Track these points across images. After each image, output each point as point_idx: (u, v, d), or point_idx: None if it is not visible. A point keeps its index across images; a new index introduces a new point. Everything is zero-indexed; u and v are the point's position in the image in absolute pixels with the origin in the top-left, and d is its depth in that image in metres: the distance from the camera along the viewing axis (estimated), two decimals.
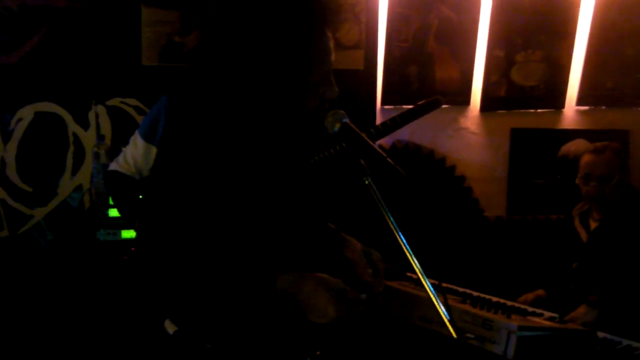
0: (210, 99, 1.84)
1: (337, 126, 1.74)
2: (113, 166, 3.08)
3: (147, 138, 2.94)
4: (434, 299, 1.63)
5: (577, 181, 3.59)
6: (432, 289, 1.63)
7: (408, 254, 1.63)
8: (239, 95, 1.79)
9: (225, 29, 1.78)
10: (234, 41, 1.76)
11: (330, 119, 1.75)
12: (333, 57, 1.79)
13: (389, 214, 1.65)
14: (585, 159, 3.56)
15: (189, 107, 1.88)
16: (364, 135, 1.73)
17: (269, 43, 1.71)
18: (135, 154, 2.99)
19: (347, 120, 1.75)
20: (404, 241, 1.64)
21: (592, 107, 4.78)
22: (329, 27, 1.77)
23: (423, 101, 3.55)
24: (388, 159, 1.68)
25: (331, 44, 1.78)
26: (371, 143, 1.72)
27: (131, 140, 3.04)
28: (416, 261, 1.63)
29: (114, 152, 3.67)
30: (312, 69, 1.74)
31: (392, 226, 1.64)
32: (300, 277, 1.67)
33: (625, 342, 2.75)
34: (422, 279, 1.63)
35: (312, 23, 1.73)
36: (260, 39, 1.72)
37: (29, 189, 3.85)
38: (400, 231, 1.64)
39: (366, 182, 1.68)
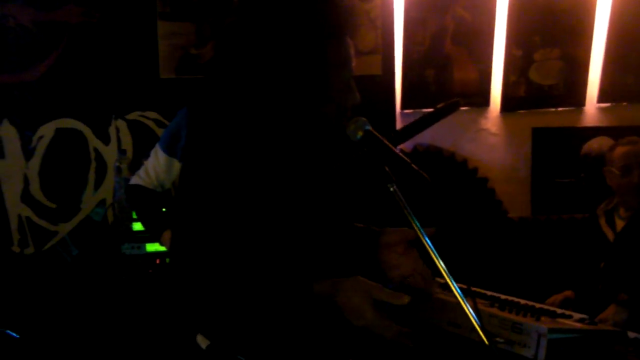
0: (230, 110, 1.83)
1: (360, 134, 1.73)
2: (135, 180, 3.09)
3: (169, 151, 2.95)
4: (463, 304, 1.61)
5: (610, 173, 3.54)
6: (460, 293, 1.62)
7: (435, 259, 1.62)
8: (258, 106, 1.79)
9: (242, 39, 1.77)
10: (250, 51, 1.75)
11: (352, 126, 1.74)
12: (354, 63, 1.78)
13: (415, 220, 1.64)
14: (620, 150, 3.53)
15: (210, 119, 1.88)
16: (387, 141, 1.72)
17: (285, 52, 1.70)
18: (157, 167, 2.99)
19: (369, 127, 1.73)
20: (431, 245, 1.62)
21: (614, 103, 4.74)
22: (346, 33, 1.75)
23: (442, 104, 3.53)
24: (413, 165, 1.67)
25: (351, 50, 1.76)
26: (394, 149, 1.71)
27: (152, 153, 3.04)
28: (444, 266, 1.62)
29: (135, 165, 3.68)
30: (330, 77, 1.72)
31: (418, 231, 1.63)
32: (338, 280, 1.67)
33: None
34: (451, 284, 1.61)
35: (329, 30, 1.71)
36: (277, 49, 1.71)
37: (53, 206, 3.87)
38: (427, 236, 1.62)
39: (391, 189, 1.67)
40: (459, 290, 1.61)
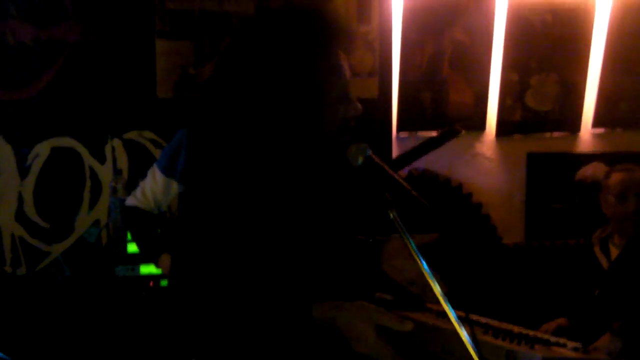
0: (229, 130, 1.84)
1: (361, 159, 1.73)
2: (130, 201, 3.06)
3: (167, 172, 2.93)
4: (460, 332, 1.61)
5: (606, 200, 3.55)
6: (457, 320, 1.61)
7: (434, 286, 1.62)
8: (256, 124, 1.79)
9: (236, 58, 1.79)
10: (244, 70, 1.76)
11: (353, 151, 1.74)
12: (349, 74, 1.79)
13: (414, 246, 1.64)
14: (616, 178, 3.54)
15: (209, 139, 1.88)
16: (387, 167, 1.73)
17: (278, 69, 1.72)
18: (155, 188, 2.97)
19: (370, 152, 1.74)
20: (429, 272, 1.63)
21: (608, 129, 4.76)
22: (338, 46, 1.78)
23: (442, 130, 3.54)
24: (413, 192, 1.68)
25: (344, 63, 1.78)
26: (395, 176, 1.71)
27: (149, 174, 3.03)
28: (441, 292, 1.62)
29: (131, 185, 3.67)
30: (325, 89, 1.73)
31: (416, 257, 1.63)
32: (341, 303, 1.66)
33: None
34: (448, 310, 1.61)
35: (320, 44, 1.74)
36: (270, 66, 1.72)
37: (47, 225, 3.84)
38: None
39: (391, 215, 1.67)
40: (456, 317, 1.60)
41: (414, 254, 1.62)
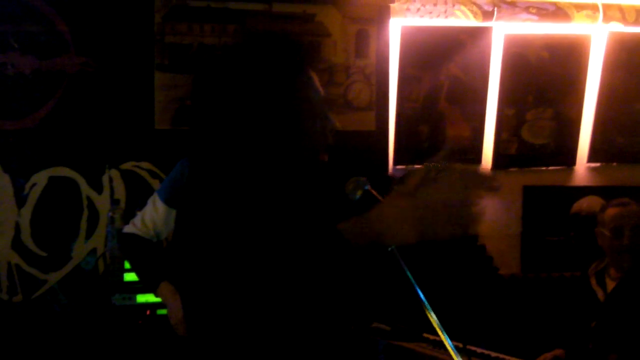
0: (222, 159, 1.87)
1: (359, 193, 1.75)
2: (129, 229, 3.06)
3: (169, 201, 2.93)
4: (452, 352, 1.62)
5: (602, 234, 3.57)
6: (455, 351, 1.62)
7: (430, 317, 1.63)
8: (242, 150, 1.82)
9: (211, 89, 1.84)
10: (221, 99, 1.81)
11: (351, 186, 1.77)
12: (321, 90, 1.84)
13: (412, 279, 1.65)
14: (611, 212, 3.56)
15: (208, 169, 1.91)
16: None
17: (257, 90, 1.76)
18: (155, 217, 2.97)
19: (368, 187, 1.76)
20: (427, 304, 1.63)
21: (604, 163, 4.80)
22: (306, 64, 1.83)
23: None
24: None
25: (315, 79, 1.83)
26: None
27: (149, 202, 3.03)
28: (439, 324, 1.62)
29: (128, 215, 3.68)
30: (302, 105, 1.78)
31: (415, 290, 1.64)
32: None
33: None
34: (445, 341, 1.62)
35: (290, 65, 1.78)
36: (248, 89, 1.76)
37: (43, 254, 3.84)
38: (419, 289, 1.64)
39: (389, 249, 1.68)
40: (453, 347, 1.62)
41: (414, 289, 1.63)
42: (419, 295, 1.63)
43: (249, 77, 1.76)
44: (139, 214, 3.07)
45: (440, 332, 1.63)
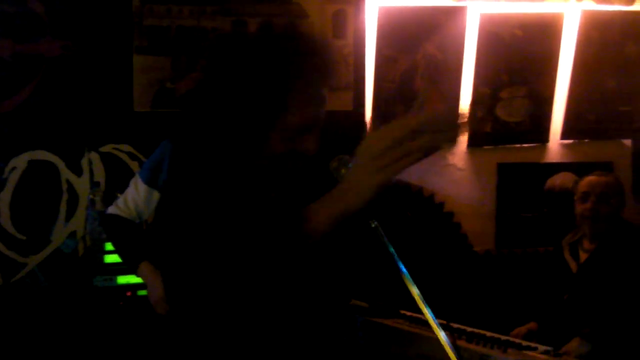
0: (204, 143, 1.89)
1: (343, 171, 1.77)
2: (112, 210, 3.10)
3: (150, 182, 2.98)
4: (441, 337, 1.65)
5: (574, 202, 3.65)
6: (438, 325, 1.66)
7: (413, 291, 1.66)
8: (220, 134, 1.86)
9: (211, 76, 1.86)
10: (216, 86, 1.83)
11: (335, 164, 1.78)
12: (320, 111, 1.81)
13: (396, 255, 1.68)
14: (587, 179, 3.65)
15: (190, 152, 1.94)
16: None
17: (247, 86, 1.77)
18: (137, 197, 3.02)
19: (352, 165, 1.78)
20: (408, 276, 1.66)
21: (576, 140, 4.88)
22: (317, 82, 1.80)
23: None
24: (395, 203, 1.73)
25: (317, 99, 1.80)
26: None
27: (131, 184, 3.07)
28: (422, 298, 1.65)
29: (108, 198, 3.70)
30: (282, 113, 1.76)
31: (398, 266, 1.67)
32: None
33: None
34: (429, 317, 1.65)
35: (296, 74, 1.77)
36: (240, 83, 1.78)
37: (23, 237, 3.85)
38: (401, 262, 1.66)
39: (373, 225, 1.71)
40: (437, 322, 1.65)
41: (397, 266, 1.66)
42: (402, 271, 1.66)
43: (245, 74, 1.78)
44: (122, 196, 3.11)
45: (422, 306, 1.66)
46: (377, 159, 1.59)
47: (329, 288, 2.06)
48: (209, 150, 1.88)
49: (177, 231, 1.80)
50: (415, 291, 1.65)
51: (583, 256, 3.65)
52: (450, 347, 1.63)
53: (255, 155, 1.82)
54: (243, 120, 1.78)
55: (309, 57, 1.80)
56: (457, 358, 1.63)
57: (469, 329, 3.16)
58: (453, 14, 4.51)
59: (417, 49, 4.48)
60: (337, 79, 1.87)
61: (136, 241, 3.07)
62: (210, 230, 1.72)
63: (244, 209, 1.78)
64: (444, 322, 1.67)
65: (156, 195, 2.97)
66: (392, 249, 1.68)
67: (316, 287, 1.97)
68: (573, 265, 3.66)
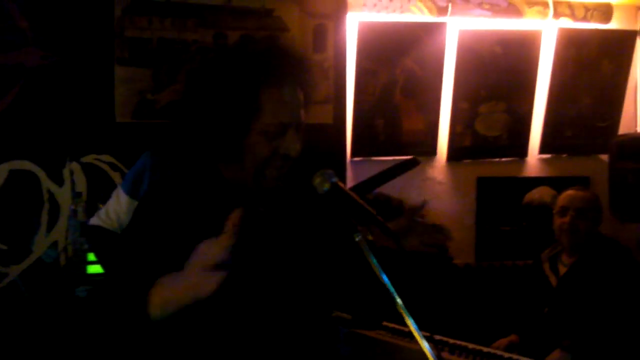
0: (184, 152, 1.92)
1: (326, 186, 1.77)
2: (95, 221, 3.10)
3: (131, 194, 2.98)
4: (423, 345, 1.66)
5: (553, 217, 3.70)
6: (422, 336, 1.67)
7: (397, 303, 1.67)
8: (200, 141, 1.89)
9: (188, 85, 1.91)
10: (192, 94, 1.87)
11: (318, 179, 1.79)
12: (296, 113, 1.85)
13: (380, 269, 1.70)
14: (565, 194, 3.69)
15: (170, 162, 1.96)
16: (353, 194, 1.79)
17: (223, 89, 1.81)
18: (119, 209, 3.02)
19: (336, 179, 1.78)
20: (391, 287, 1.68)
21: (554, 155, 4.95)
22: (288, 83, 1.84)
23: (402, 161, 3.64)
24: (378, 217, 1.75)
25: (291, 99, 1.84)
26: (361, 202, 1.77)
27: (113, 195, 3.08)
28: (408, 314, 1.67)
29: (90, 208, 3.70)
30: (257, 115, 1.80)
31: (381, 279, 1.69)
32: None
33: None
34: (412, 328, 1.67)
35: (265, 76, 1.81)
36: (215, 88, 1.82)
37: (4, 247, 3.83)
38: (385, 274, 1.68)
39: (356, 239, 1.73)
40: (420, 333, 1.67)
41: (380, 278, 1.68)
42: (386, 283, 1.68)
43: (219, 81, 1.82)
44: (104, 207, 3.11)
45: (406, 317, 1.68)
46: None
47: (311, 300, 2.07)
48: (189, 160, 1.91)
49: (149, 241, 1.81)
50: (399, 302, 1.67)
51: (562, 270, 3.69)
52: (434, 358, 1.64)
53: (238, 160, 1.85)
54: (221, 124, 1.81)
55: (280, 59, 1.85)
56: None
57: (452, 341, 3.19)
58: (432, 30, 4.58)
59: (397, 63, 4.54)
60: (315, 88, 1.89)
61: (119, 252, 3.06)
62: (181, 244, 1.72)
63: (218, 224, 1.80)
64: (427, 334, 1.69)
65: None
66: (375, 261, 1.70)
67: (298, 299, 1.99)
68: (553, 279, 3.70)
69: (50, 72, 3.90)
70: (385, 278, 1.69)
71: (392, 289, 1.68)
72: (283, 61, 1.85)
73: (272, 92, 1.81)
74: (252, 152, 1.83)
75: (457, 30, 4.63)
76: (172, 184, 1.93)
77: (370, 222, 1.76)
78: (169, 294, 1.62)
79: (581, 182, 4.61)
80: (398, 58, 4.54)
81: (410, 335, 2.88)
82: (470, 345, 3.15)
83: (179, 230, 1.76)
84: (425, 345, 1.65)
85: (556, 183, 4.60)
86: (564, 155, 4.97)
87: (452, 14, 4.59)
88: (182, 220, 1.79)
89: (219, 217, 1.66)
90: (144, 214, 1.90)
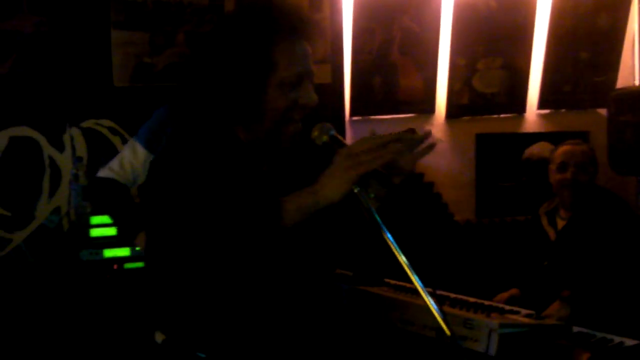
0: (200, 109, 1.96)
1: (325, 138, 1.82)
2: (105, 173, 3.03)
3: (150, 147, 2.93)
4: (427, 300, 1.68)
5: (550, 171, 3.72)
6: (425, 290, 1.69)
7: (400, 258, 1.69)
8: (216, 98, 1.92)
9: (205, 46, 1.96)
10: (210, 54, 1.92)
11: (317, 132, 1.82)
12: (308, 64, 1.90)
13: (379, 220, 1.72)
14: (562, 149, 3.70)
15: (191, 118, 2.00)
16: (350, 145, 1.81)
17: (236, 48, 1.86)
18: (134, 162, 2.96)
19: (334, 132, 1.83)
20: (395, 244, 1.70)
21: (553, 110, 4.95)
22: (297, 36, 1.89)
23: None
24: (378, 168, 1.77)
25: (302, 51, 1.89)
26: None
27: (127, 148, 3.02)
28: (409, 265, 1.69)
29: (91, 173, 3.71)
30: (273, 69, 1.84)
31: (382, 231, 1.71)
32: None
33: (600, 334, 2.84)
34: (416, 282, 1.68)
35: (276, 31, 1.86)
36: (230, 45, 1.87)
37: (8, 214, 3.86)
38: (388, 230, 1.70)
39: (355, 190, 1.75)
40: (423, 287, 1.69)
41: (381, 230, 1.70)
42: (388, 238, 1.70)
43: (231, 40, 1.87)
44: (116, 158, 3.04)
45: (409, 272, 1.69)
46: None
47: (313, 256, 2.09)
48: (206, 120, 1.94)
49: (166, 197, 1.83)
50: (402, 259, 1.69)
51: (560, 223, 3.72)
52: (438, 312, 1.66)
53: (258, 118, 1.89)
54: (239, 85, 1.86)
55: (287, 16, 1.90)
56: (444, 322, 1.67)
57: (453, 295, 3.21)
58: None
59: (394, 21, 4.52)
60: (316, 42, 1.96)
61: (131, 205, 3.02)
62: (198, 198, 1.76)
63: (234, 182, 1.83)
64: (430, 289, 1.71)
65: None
66: (376, 215, 1.72)
67: (300, 256, 2.01)
68: (551, 233, 3.72)
69: (47, 38, 3.90)
70: (387, 233, 1.70)
71: (395, 244, 1.70)
72: (290, 16, 1.90)
73: (284, 46, 1.86)
74: (271, 107, 1.87)
75: None
76: (188, 141, 1.96)
77: (370, 173, 1.78)
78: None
79: (580, 136, 4.63)
80: (395, 16, 4.53)
81: (412, 290, 2.91)
82: (472, 299, 3.17)
83: (195, 186, 1.80)
84: (429, 300, 1.67)
85: (555, 138, 4.60)
86: (563, 110, 4.97)
87: None
88: (198, 176, 1.82)
89: (233, 175, 1.74)
90: (161, 169, 1.93)
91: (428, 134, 1.99)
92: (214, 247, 1.73)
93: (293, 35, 1.89)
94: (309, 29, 1.95)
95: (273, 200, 1.75)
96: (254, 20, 1.88)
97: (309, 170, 2.05)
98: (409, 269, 1.68)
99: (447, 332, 1.66)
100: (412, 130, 3.64)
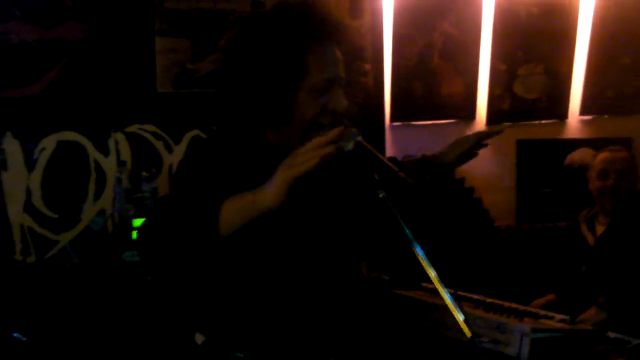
0: (232, 110, 2.01)
1: (351, 144, 1.84)
2: None
3: None
4: (448, 302, 1.71)
5: (590, 177, 3.71)
6: (447, 292, 1.71)
7: (423, 263, 1.71)
8: (247, 101, 1.98)
9: (233, 56, 2.00)
10: (243, 57, 1.95)
11: (344, 137, 1.85)
12: (339, 70, 1.95)
13: (404, 226, 1.73)
14: (602, 156, 3.70)
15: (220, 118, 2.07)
16: (376, 152, 1.84)
17: (270, 52, 1.90)
18: None
19: (360, 138, 1.84)
20: (420, 251, 1.71)
21: (595, 116, 4.91)
22: (329, 41, 1.94)
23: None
24: (400, 173, 1.79)
25: (333, 57, 1.94)
26: (384, 159, 1.82)
27: None
28: (432, 269, 1.71)
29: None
30: (305, 74, 1.89)
31: (407, 237, 1.73)
32: None
33: (635, 341, 2.83)
34: (438, 285, 1.71)
35: (310, 37, 1.91)
36: (264, 49, 1.91)
37: (54, 216, 3.96)
38: (416, 241, 1.72)
39: (380, 195, 1.77)
40: (447, 292, 1.71)
41: (408, 237, 1.72)
42: (417, 252, 1.71)
43: (265, 47, 1.91)
44: None
45: (431, 275, 1.71)
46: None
47: (341, 259, 2.12)
48: (240, 118, 2.00)
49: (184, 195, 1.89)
50: (432, 273, 1.70)
51: (599, 229, 3.70)
52: (459, 312, 1.68)
53: (288, 122, 1.94)
54: (271, 89, 1.90)
55: (321, 23, 1.94)
56: (462, 320, 1.68)
57: (489, 300, 3.22)
58: None
59: (434, 27, 4.54)
60: (348, 47, 1.99)
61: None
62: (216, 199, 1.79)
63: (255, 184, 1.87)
64: (451, 290, 1.71)
65: None
66: (400, 218, 1.73)
67: (330, 255, 2.05)
68: (590, 239, 3.71)
69: (93, 46, 3.99)
70: (410, 235, 1.72)
71: (423, 257, 1.70)
72: (323, 21, 1.94)
73: (317, 52, 1.90)
74: (301, 111, 1.91)
75: None
76: (214, 143, 2.02)
77: (394, 179, 1.80)
78: (236, 205, 1.72)
79: (623, 143, 4.59)
80: (435, 22, 4.54)
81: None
82: (507, 304, 3.17)
83: (219, 187, 1.83)
84: (449, 301, 1.69)
85: (597, 144, 4.57)
86: (605, 116, 4.92)
87: None
88: (223, 179, 1.88)
89: (262, 178, 1.75)
90: (186, 170, 1.99)
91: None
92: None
93: (325, 41, 1.93)
94: (342, 35, 1.99)
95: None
96: (288, 26, 1.91)
97: (335, 175, 2.09)
98: (439, 283, 1.69)
99: (468, 333, 1.68)
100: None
